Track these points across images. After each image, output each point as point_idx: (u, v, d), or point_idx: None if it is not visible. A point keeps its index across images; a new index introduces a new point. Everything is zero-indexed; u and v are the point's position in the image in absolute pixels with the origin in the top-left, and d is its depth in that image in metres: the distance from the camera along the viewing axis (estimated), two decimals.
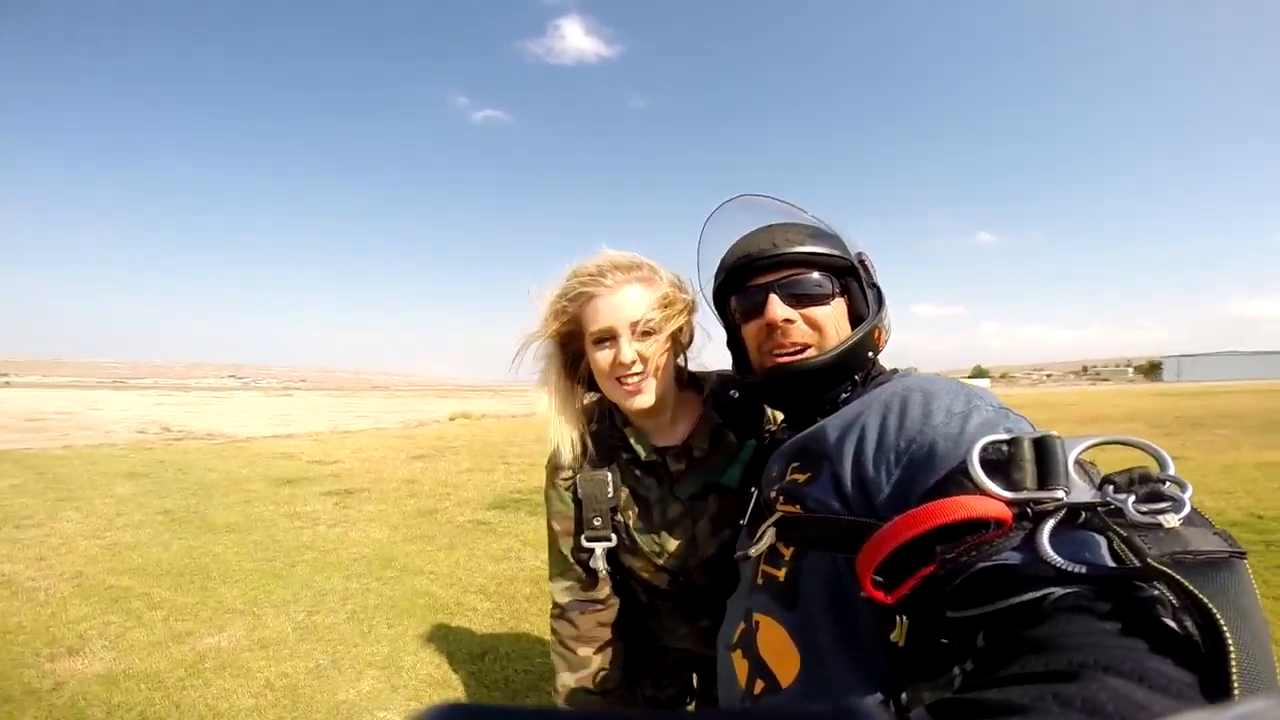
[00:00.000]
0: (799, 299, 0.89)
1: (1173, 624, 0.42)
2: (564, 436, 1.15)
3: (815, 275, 0.90)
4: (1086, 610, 0.45)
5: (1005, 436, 0.58)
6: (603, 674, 1.19)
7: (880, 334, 0.93)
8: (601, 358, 1.08)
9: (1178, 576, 0.42)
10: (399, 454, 11.57)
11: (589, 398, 1.24)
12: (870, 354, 0.91)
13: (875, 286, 0.95)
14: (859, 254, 0.94)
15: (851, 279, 0.93)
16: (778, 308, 0.88)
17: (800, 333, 0.89)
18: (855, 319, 0.92)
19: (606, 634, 1.20)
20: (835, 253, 0.91)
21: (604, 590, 1.20)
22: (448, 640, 3.34)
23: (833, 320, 0.90)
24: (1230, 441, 10.23)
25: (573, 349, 1.16)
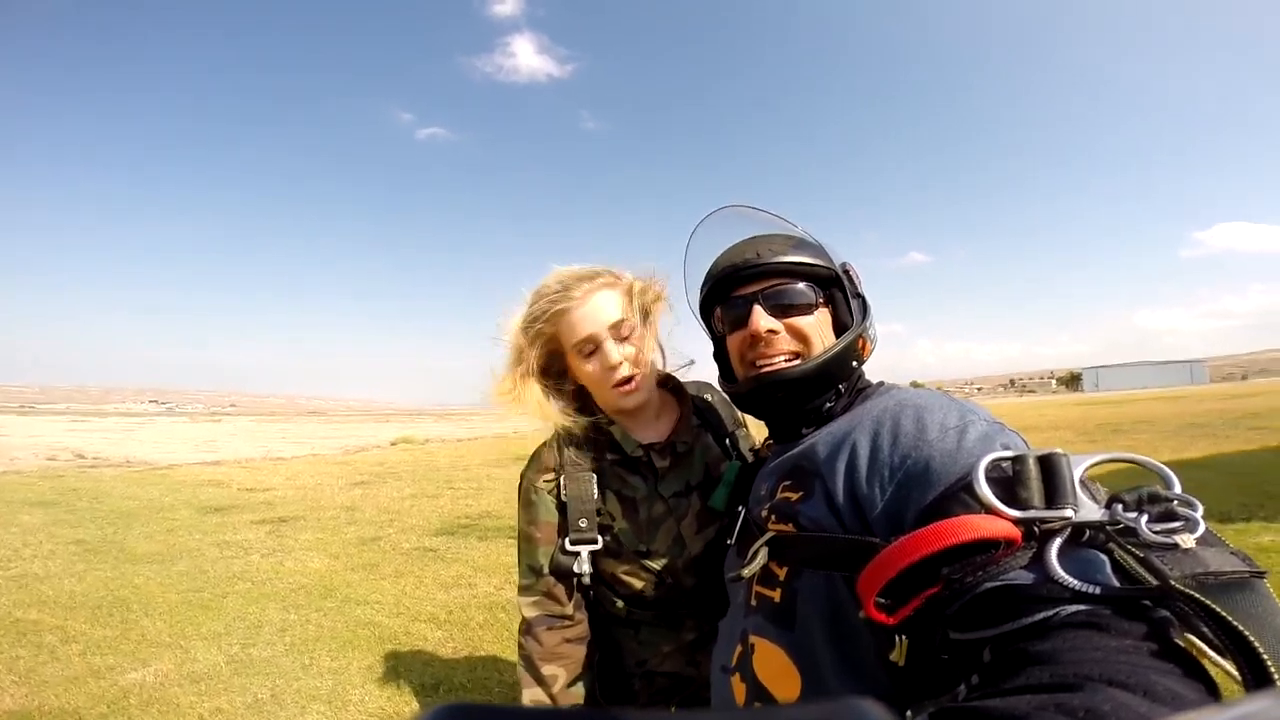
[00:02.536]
0: (783, 309, 0.90)
1: (1181, 644, 0.42)
2: (540, 418, 1.15)
3: (799, 285, 0.90)
4: (1093, 626, 0.44)
5: (1009, 453, 0.57)
6: (565, 691, 1.14)
7: (865, 344, 0.93)
8: (590, 366, 1.10)
9: (1205, 600, 0.41)
10: (337, 480, 11.11)
11: (570, 409, 1.23)
12: (854, 364, 0.91)
13: (859, 296, 0.95)
14: (843, 264, 0.95)
15: (836, 289, 0.94)
16: (761, 319, 0.89)
17: (784, 342, 0.89)
18: (840, 329, 0.93)
19: (572, 651, 1.17)
20: (818, 262, 0.91)
21: (571, 607, 1.17)
22: (397, 672, 3.18)
23: (817, 330, 0.90)
24: (1149, 445, 10.94)
25: (553, 368, 1.18)
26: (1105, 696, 0.36)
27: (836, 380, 0.90)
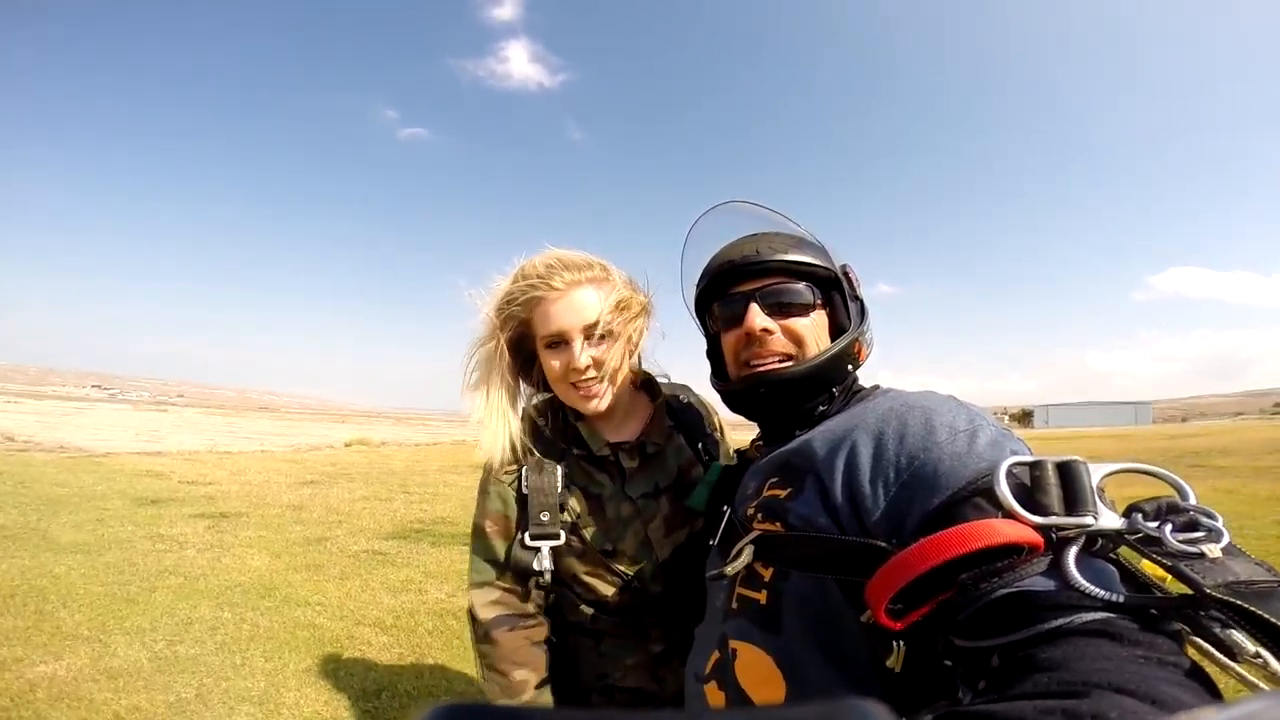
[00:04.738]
0: (780, 309, 0.87)
1: (1193, 654, 0.43)
2: (498, 439, 1.07)
3: (797, 285, 0.88)
4: (1106, 635, 0.44)
5: (1028, 459, 0.56)
6: (535, 697, 1.07)
7: (860, 347, 0.90)
8: (554, 362, 1.06)
9: (1249, 606, 0.41)
10: (285, 478, 10.70)
11: (539, 397, 1.19)
12: (849, 367, 0.89)
13: (858, 299, 0.93)
14: (843, 265, 0.92)
15: (835, 291, 0.91)
16: (757, 317, 0.86)
17: (779, 343, 0.87)
18: (837, 331, 0.90)
19: (536, 654, 1.09)
20: (818, 263, 0.89)
21: (531, 606, 1.11)
22: (337, 676, 3.01)
23: (812, 331, 0.87)
24: None
25: (523, 352, 1.13)
26: (1112, 703, 0.37)
27: (830, 383, 0.87)
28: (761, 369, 0.88)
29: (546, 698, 1.08)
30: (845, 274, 0.92)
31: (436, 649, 3.40)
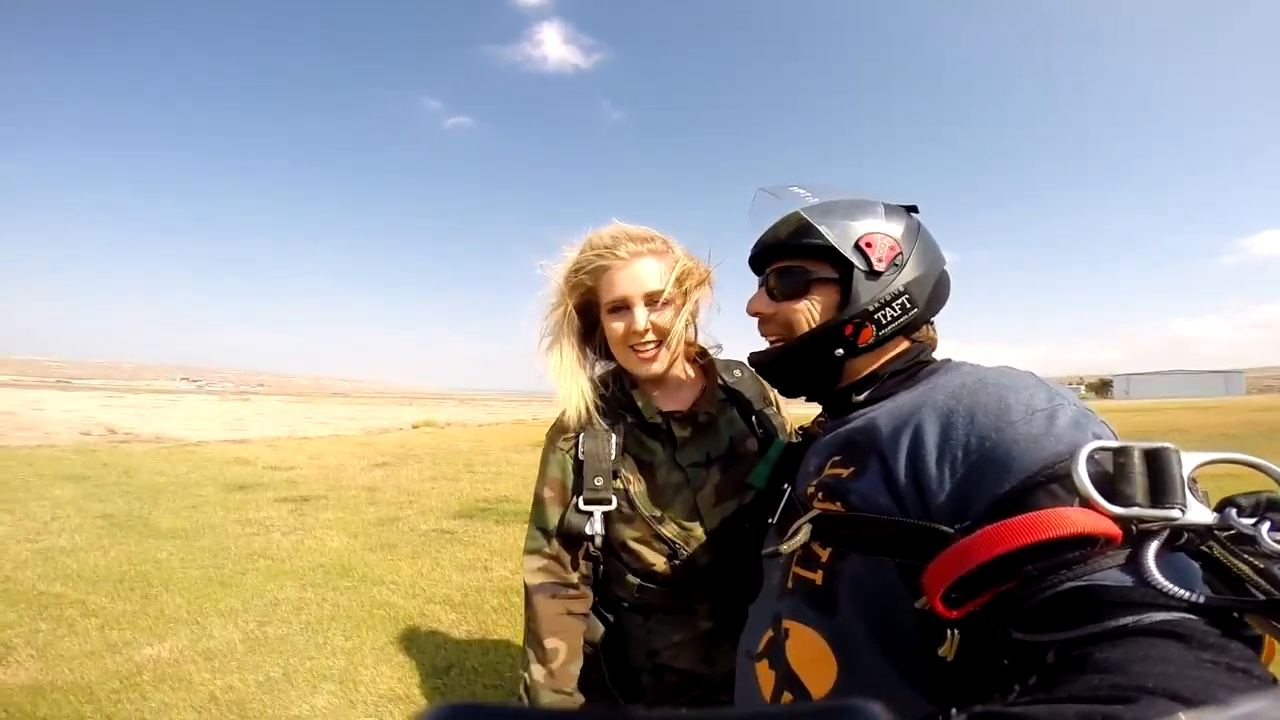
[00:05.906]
0: (780, 294, 0.88)
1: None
2: (573, 396, 1.14)
3: (793, 269, 0.87)
4: (1175, 636, 0.41)
5: (1112, 444, 0.52)
6: (564, 667, 1.12)
7: (865, 330, 0.81)
8: (616, 326, 1.11)
9: None
10: (359, 461, 11.21)
11: (602, 366, 1.25)
12: (838, 351, 0.82)
13: (879, 273, 0.81)
14: (861, 238, 0.81)
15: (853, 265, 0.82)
16: (754, 302, 0.91)
17: (771, 327, 0.90)
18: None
19: (573, 625, 1.14)
20: (816, 242, 0.82)
21: (576, 576, 1.16)
22: (410, 653, 3.17)
23: (805, 315, 0.85)
24: None
25: (588, 319, 1.20)
26: (1159, 710, 0.34)
27: (810, 369, 0.87)
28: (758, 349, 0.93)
29: (571, 672, 1.12)
30: (863, 248, 0.81)
31: (502, 625, 3.53)
